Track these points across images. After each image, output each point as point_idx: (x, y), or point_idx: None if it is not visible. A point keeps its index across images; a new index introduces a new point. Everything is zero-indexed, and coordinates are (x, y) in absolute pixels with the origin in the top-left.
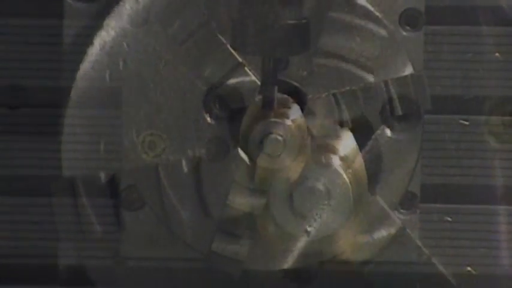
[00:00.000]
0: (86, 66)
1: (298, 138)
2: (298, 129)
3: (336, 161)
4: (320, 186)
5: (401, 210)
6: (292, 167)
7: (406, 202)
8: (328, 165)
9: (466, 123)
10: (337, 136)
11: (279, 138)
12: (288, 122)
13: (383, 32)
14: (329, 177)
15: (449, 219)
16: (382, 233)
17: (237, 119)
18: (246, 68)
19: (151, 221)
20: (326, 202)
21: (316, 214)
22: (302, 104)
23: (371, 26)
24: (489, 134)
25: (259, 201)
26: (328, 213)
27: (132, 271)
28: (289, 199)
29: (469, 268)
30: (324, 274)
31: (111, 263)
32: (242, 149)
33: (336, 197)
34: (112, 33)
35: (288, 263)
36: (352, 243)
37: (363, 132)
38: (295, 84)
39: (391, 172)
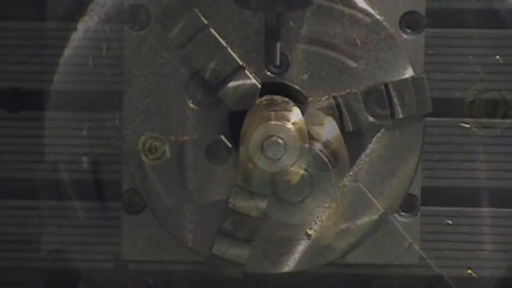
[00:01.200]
0: (69, 51)
1: (299, 141)
2: (298, 132)
3: (317, 146)
4: (302, 171)
5: (402, 213)
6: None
7: (407, 205)
8: (311, 150)
9: (467, 126)
10: (320, 122)
11: (280, 141)
12: (289, 125)
13: (367, 19)
14: (311, 162)
15: (450, 221)
16: (365, 219)
17: (237, 122)
18: (246, 71)
19: (152, 223)
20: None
21: (317, 217)
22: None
23: (355, 12)
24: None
25: (261, 204)
26: (309, 198)
27: (133, 274)
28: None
29: (469, 271)
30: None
31: (111, 267)
32: (243, 151)
33: (317, 182)
34: (95, 18)
35: (289, 266)
36: (334, 229)
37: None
38: (296, 87)
39: (392, 175)
